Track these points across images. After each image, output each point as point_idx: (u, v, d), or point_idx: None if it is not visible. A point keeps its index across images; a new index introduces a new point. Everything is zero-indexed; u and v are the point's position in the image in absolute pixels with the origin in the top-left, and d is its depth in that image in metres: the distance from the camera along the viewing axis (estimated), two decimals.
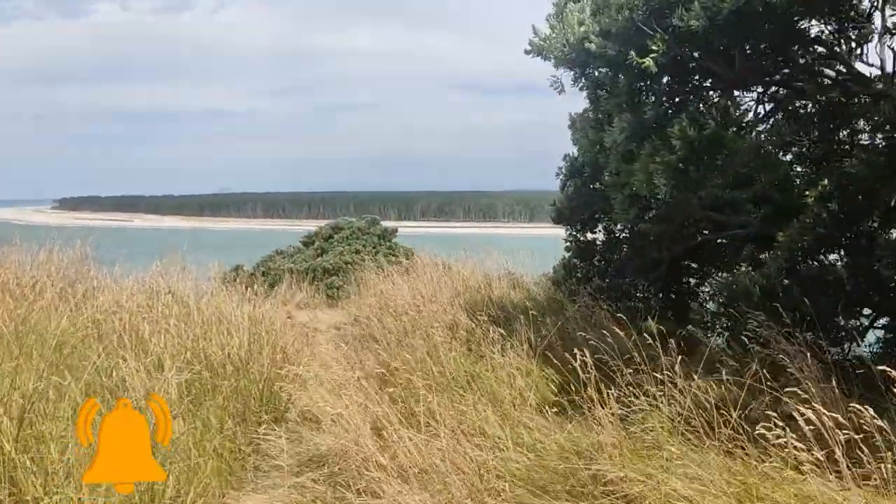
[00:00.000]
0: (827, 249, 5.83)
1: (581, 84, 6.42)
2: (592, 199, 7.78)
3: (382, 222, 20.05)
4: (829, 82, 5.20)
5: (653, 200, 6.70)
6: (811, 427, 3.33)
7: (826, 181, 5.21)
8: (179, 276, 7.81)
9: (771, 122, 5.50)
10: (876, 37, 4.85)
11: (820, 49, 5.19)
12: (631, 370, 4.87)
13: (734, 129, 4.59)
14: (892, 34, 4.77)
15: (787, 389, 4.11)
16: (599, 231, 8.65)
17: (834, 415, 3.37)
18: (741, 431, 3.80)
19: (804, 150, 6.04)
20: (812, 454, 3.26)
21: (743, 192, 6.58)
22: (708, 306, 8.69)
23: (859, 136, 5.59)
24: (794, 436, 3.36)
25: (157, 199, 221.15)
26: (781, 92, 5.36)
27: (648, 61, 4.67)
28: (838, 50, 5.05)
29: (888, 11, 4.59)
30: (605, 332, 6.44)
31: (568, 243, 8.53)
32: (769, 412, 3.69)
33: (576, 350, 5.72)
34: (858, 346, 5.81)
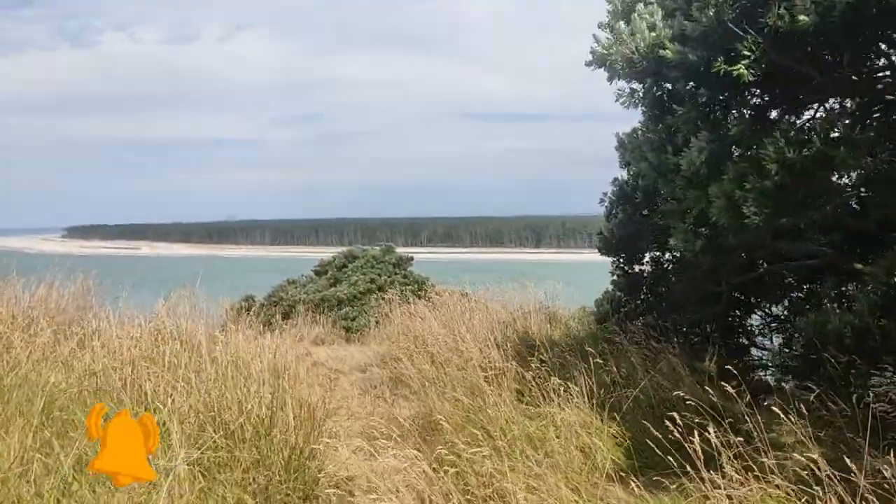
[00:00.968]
0: None
1: (638, 100, 5.74)
2: (644, 227, 7.05)
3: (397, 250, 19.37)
4: None
5: (705, 230, 6.00)
6: None
7: None
8: (188, 313, 7.09)
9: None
10: None
11: None
12: (714, 427, 4.07)
13: (845, 147, 3.86)
14: None
15: None
16: (646, 262, 7.92)
17: None
18: None
19: None
20: None
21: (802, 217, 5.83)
22: (768, 345, 7.92)
23: None
24: None
25: (166, 227, 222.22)
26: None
27: (741, 69, 3.97)
28: None
29: None
30: (670, 378, 5.68)
31: (615, 276, 7.77)
32: None
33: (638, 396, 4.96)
34: None
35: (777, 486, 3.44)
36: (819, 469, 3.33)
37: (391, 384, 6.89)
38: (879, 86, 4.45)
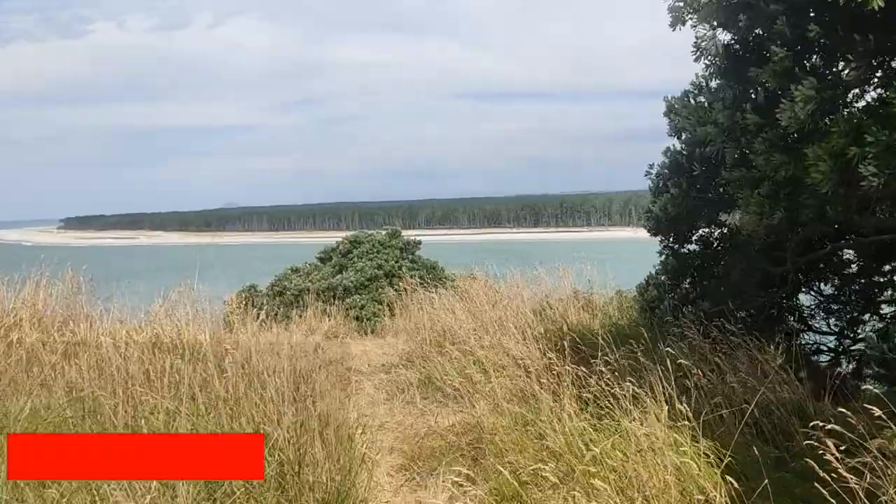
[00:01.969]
0: None
1: (713, 49, 4.89)
2: (701, 202, 6.23)
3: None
4: None
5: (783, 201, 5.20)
6: None
7: None
8: (189, 312, 6.31)
9: None
10: None
11: None
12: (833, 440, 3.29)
13: None
14: None
15: None
16: (694, 241, 7.12)
17: None
18: None
19: None
20: None
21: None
22: (825, 329, 7.17)
23: None
24: None
25: (162, 216, 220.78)
26: None
27: None
28: None
29: None
30: (753, 376, 4.91)
31: (663, 256, 6.96)
32: None
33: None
34: None
35: None
36: None
37: (421, 387, 6.12)
38: None
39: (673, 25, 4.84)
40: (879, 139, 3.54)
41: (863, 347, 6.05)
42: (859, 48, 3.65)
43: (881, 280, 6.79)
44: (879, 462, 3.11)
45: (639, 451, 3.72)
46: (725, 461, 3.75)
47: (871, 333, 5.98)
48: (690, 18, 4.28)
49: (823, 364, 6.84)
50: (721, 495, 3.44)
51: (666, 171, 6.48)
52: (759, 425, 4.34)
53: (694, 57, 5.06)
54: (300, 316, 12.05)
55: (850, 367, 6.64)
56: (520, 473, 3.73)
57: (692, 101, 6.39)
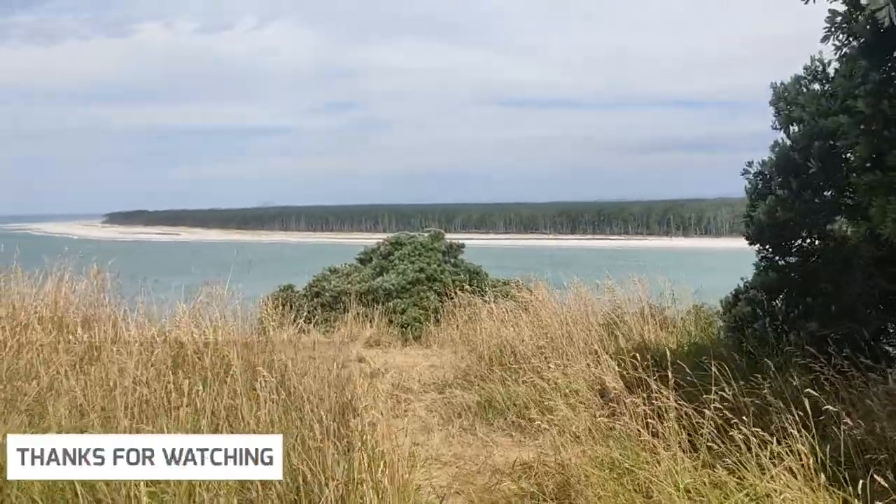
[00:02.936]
0: None
1: (849, 25, 4.02)
2: (818, 206, 5.29)
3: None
4: None
5: None
6: None
7: None
8: (222, 313, 5.63)
9: None
10: None
11: None
12: None
13: None
14: None
15: None
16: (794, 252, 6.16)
17: None
18: None
19: None
20: None
21: None
22: None
23: None
24: None
25: (203, 213, 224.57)
26: None
27: None
28: None
29: None
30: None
31: (761, 267, 6.03)
32: None
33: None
34: None
35: None
36: None
37: (480, 412, 5.30)
38: None
39: None
40: None
41: None
42: None
43: None
44: None
45: None
46: None
47: None
48: None
49: None
50: None
51: (772, 169, 5.54)
52: None
53: (825, 33, 4.21)
54: (340, 320, 11.39)
55: None
56: None
57: (803, 87, 5.47)
